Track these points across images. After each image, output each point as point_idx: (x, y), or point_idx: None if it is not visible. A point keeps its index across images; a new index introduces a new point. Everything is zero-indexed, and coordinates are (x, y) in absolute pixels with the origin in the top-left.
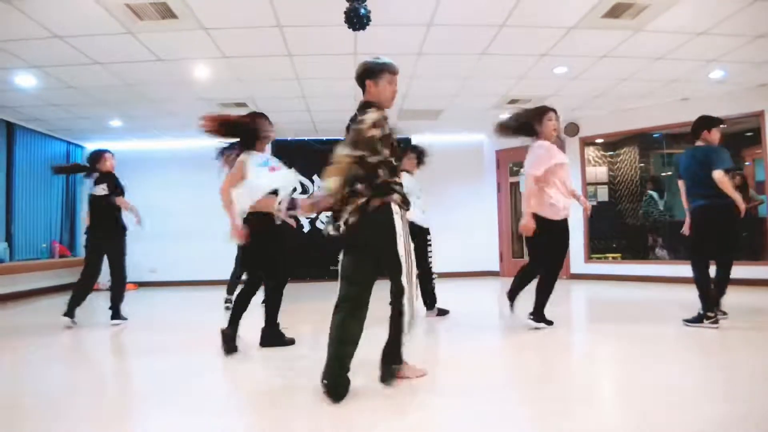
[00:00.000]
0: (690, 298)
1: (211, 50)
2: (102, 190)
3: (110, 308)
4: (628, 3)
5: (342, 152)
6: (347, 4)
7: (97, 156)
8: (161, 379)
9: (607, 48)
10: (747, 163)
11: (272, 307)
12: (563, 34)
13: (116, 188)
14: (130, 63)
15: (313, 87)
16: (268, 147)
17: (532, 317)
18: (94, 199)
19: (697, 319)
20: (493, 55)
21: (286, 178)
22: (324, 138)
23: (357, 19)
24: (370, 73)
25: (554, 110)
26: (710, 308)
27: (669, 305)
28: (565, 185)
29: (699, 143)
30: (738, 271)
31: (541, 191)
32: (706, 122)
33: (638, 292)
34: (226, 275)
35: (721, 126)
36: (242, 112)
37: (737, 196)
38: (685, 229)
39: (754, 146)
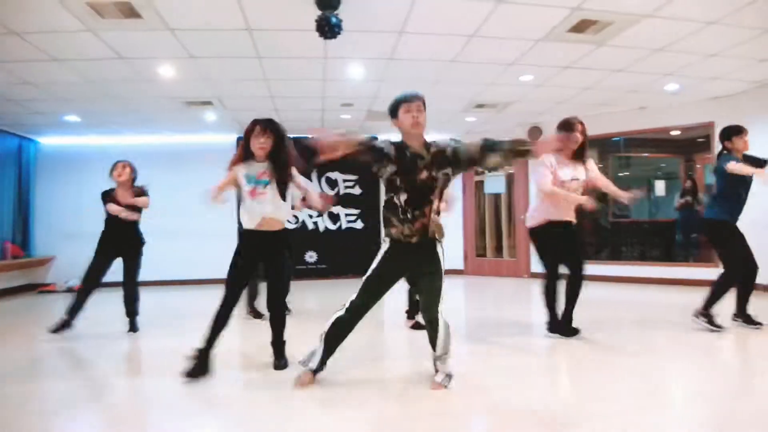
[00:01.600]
0: (649, 297)
1: (176, 50)
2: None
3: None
4: (593, 20)
5: None
6: (319, 12)
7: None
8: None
9: (571, 59)
10: (698, 166)
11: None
12: (531, 46)
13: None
14: (91, 60)
15: (282, 88)
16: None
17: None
18: None
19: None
20: (462, 62)
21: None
22: (290, 136)
23: (328, 28)
24: (390, 114)
25: (579, 122)
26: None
27: (632, 306)
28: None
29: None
30: (690, 272)
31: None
32: (723, 133)
33: (599, 292)
34: (194, 275)
35: (742, 134)
36: (208, 110)
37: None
38: None
39: (705, 151)
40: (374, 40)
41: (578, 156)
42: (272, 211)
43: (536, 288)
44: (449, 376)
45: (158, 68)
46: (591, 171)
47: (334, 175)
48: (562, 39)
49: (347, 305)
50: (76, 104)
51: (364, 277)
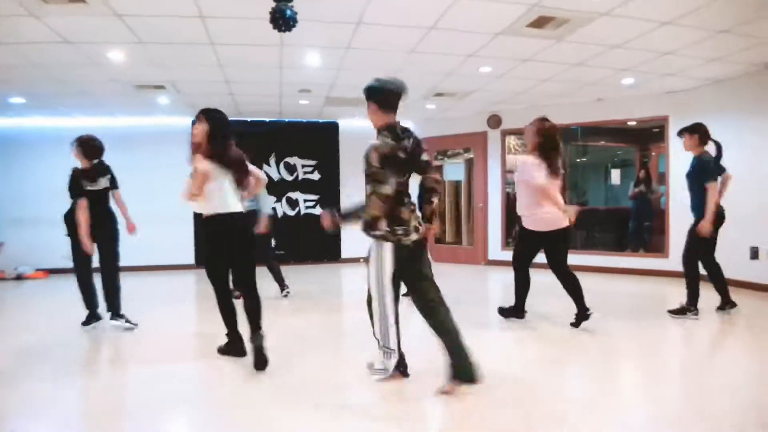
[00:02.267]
0: (603, 286)
1: (125, 35)
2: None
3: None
4: (551, 16)
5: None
6: (273, 4)
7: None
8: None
9: (530, 53)
10: (653, 154)
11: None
12: (490, 39)
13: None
14: (35, 44)
15: (238, 74)
16: None
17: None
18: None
19: (681, 311)
20: (421, 53)
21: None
22: (248, 119)
23: (282, 21)
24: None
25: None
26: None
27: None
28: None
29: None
30: (642, 262)
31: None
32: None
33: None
34: (143, 260)
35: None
36: (161, 94)
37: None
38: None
39: (660, 141)
40: (331, 29)
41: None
42: None
43: (493, 275)
44: (380, 369)
45: (107, 53)
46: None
47: (292, 160)
48: (521, 33)
49: None
50: (20, 86)
51: None
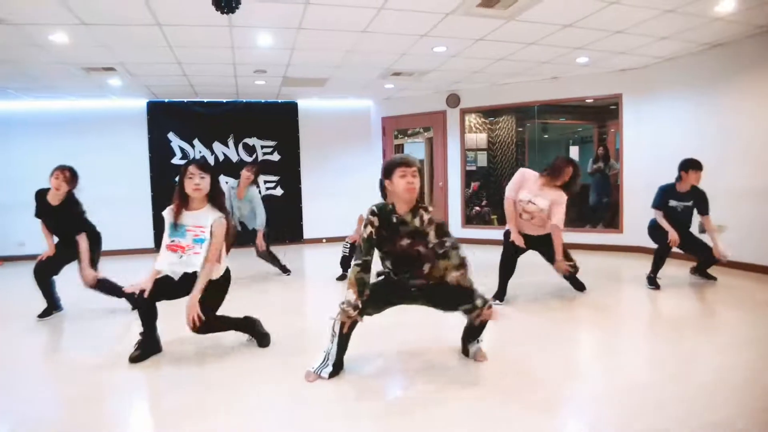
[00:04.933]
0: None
1: (65, 17)
2: None
3: None
4: None
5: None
6: None
7: None
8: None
9: (482, 33)
10: (612, 130)
11: None
12: (441, 19)
13: None
14: None
15: (189, 55)
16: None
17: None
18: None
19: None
20: (373, 33)
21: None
22: (204, 100)
23: (225, 2)
24: (384, 174)
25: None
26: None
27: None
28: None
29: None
30: (599, 238)
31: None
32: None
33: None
34: (106, 246)
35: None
36: (112, 76)
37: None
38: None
39: (616, 118)
40: (279, 10)
41: (566, 188)
42: None
43: None
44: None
45: (49, 35)
46: (555, 204)
47: (251, 141)
48: (472, 13)
49: None
50: None
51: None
